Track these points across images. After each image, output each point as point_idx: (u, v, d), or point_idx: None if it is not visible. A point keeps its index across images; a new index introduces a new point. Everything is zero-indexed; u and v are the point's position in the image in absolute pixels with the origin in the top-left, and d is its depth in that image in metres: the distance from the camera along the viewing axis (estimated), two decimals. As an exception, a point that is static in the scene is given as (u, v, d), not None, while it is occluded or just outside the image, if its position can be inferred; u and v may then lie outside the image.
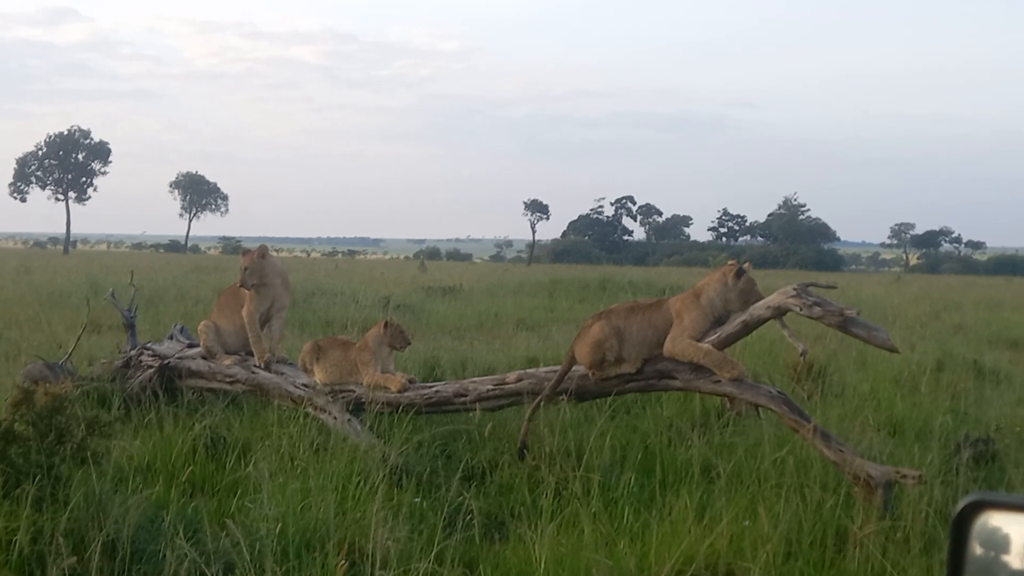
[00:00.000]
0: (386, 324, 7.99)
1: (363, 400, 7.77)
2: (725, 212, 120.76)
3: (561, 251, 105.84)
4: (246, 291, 8.51)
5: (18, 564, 4.81)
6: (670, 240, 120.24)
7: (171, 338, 9.38)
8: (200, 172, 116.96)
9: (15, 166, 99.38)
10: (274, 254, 8.92)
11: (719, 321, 6.75)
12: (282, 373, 8.31)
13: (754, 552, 5.14)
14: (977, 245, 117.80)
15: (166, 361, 8.76)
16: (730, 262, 7.01)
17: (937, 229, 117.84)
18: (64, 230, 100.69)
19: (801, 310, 6.32)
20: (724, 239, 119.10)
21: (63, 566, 4.63)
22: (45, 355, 9.41)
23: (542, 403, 7.11)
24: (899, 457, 6.90)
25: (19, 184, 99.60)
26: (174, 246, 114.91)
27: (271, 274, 8.56)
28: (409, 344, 8.26)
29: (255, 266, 8.46)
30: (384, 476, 6.10)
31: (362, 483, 6.01)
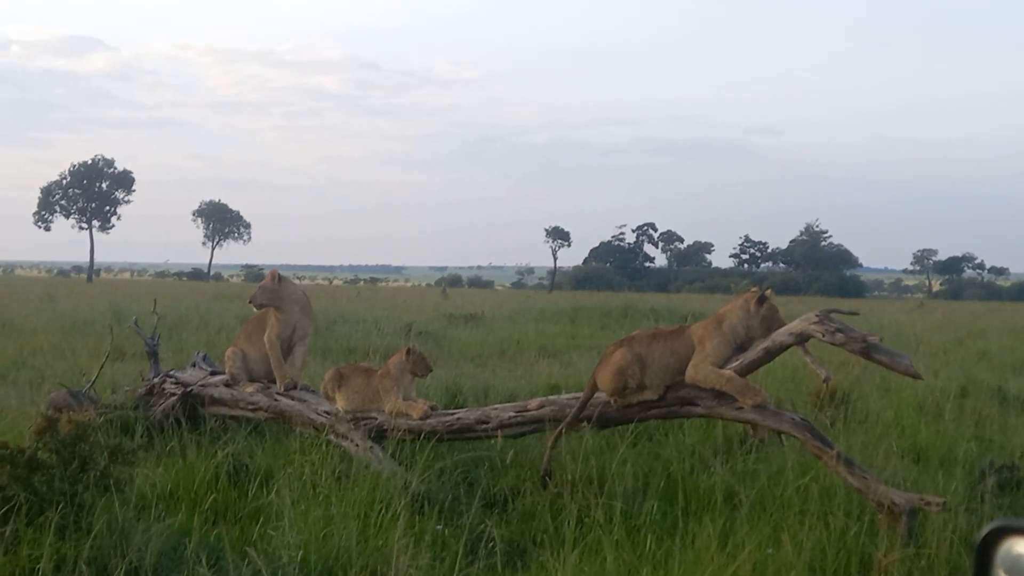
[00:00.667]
0: (408, 351, 7.99)
1: (385, 427, 7.77)
2: (747, 238, 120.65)
3: (583, 278, 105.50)
4: (270, 318, 8.57)
5: (42, 591, 4.83)
6: (692, 267, 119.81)
7: (194, 366, 9.42)
8: (223, 200, 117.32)
9: (39, 195, 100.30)
10: (296, 281, 8.96)
11: (741, 348, 6.72)
12: (304, 400, 8.32)
13: (778, 580, 5.11)
14: (1000, 271, 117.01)
15: (189, 389, 8.80)
16: (752, 289, 6.99)
17: (960, 255, 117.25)
18: (88, 258, 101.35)
19: (823, 336, 6.30)
20: (746, 265, 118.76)
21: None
22: (69, 383, 9.47)
23: (564, 430, 7.09)
24: (923, 484, 6.85)
25: (43, 213, 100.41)
26: (197, 274, 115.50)
27: (287, 299, 8.60)
28: (431, 371, 8.26)
29: (268, 286, 8.55)
30: (406, 503, 6.10)
31: (384, 510, 6.01)
